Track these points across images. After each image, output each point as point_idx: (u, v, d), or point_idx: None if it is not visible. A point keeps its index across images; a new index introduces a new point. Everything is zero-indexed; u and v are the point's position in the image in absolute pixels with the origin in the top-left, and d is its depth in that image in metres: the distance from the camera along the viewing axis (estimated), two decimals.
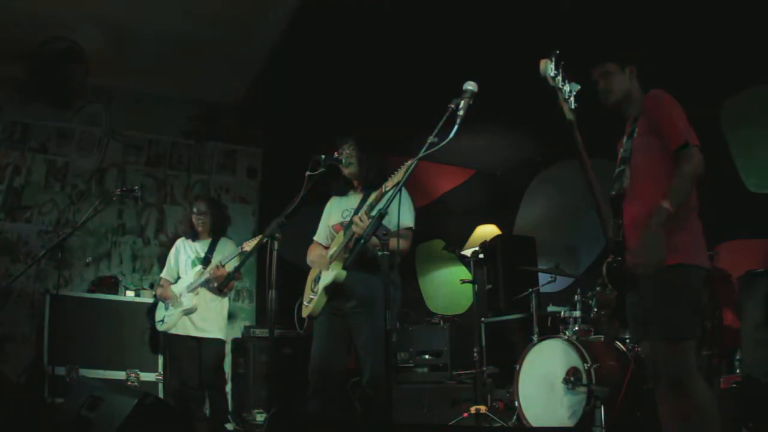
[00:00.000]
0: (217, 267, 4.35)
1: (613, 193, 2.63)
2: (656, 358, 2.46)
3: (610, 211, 2.57)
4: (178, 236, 4.89)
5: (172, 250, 4.79)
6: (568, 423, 3.91)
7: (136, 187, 4.88)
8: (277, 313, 3.03)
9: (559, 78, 2.31)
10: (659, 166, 2.50)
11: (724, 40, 4.41)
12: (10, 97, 5.42)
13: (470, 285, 5.01)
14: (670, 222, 2.41)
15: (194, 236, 4.69)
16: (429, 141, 2.46)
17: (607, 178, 2.61)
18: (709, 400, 2.38)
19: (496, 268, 6.22)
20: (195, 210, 4.66)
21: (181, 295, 4.49)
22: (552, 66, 2.28)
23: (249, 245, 4.19)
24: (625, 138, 2.69)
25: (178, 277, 4.69)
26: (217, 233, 4.71)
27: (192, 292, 4.48)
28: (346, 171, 3.50)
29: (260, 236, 3.10)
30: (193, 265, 4.61)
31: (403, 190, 3.20)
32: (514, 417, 4.33)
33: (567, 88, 2.35)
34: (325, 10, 4.50)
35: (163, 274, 4.76)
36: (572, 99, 2.39)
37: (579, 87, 2.41)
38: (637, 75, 2.70)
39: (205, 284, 4.48)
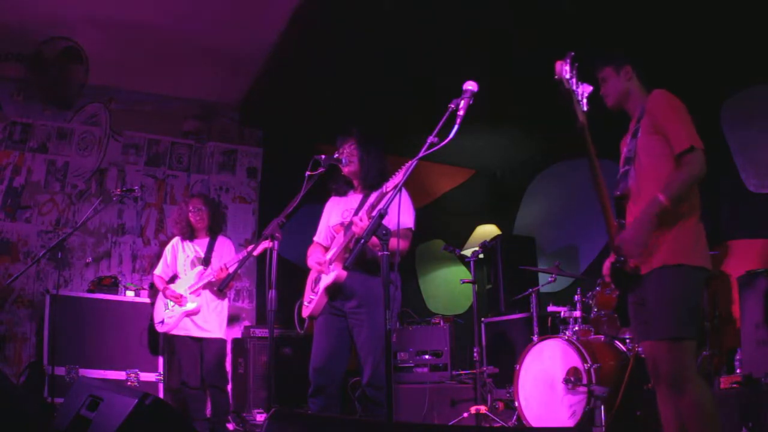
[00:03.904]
0: (221, 269, 4.34)
1: (618, 193, 2.61)
2: (656, 358, 2.46)
3: (614, 212, 2.56)
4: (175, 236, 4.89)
5: (168, 249, 4.77)
6: (568, 423, 3.90)
7: (136, 187, 4.88)
8: (277, 313, 3.04)
9: (573, 80, 2.26)
10: (664, 166, 2.48)
11: (724, 39, 4.41)
12: (10, 97, 5.42)
13: (470, 285, 5.00)
14: (669, 219, 2.41)
15: (191, 235, 4.68)
16: (429, 141, 2.46)
17: (611, 178, 2.59)
18: (709, 400, 2.38)
19: (496, 268, 6.23)
20: (192, 207, 4.65)
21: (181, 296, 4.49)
22: (567, 68, 2.24)
23: (256, 249, 4.13)
24: (629, 137, 2.68)
25: (174, 276, 4.69)
26: (214, 232, 4.70)
27: (194, 293, 4.47)
28: (346, 170, 3.49)
29: (265, 240, 3.08)
30: (193, 265, 4.61)
31: (403, 191, 3.20)
32: (514, 417, 4.33)
33: (580, 90, 2.31)
34: (324, 9, 4.49)
35: (157, 272, 4.72)
36: (585, 101, 2.35)
37: (592, 89, 2.36)
38: (637, 73, 2.68)
39: (207, 285, 4.48)
